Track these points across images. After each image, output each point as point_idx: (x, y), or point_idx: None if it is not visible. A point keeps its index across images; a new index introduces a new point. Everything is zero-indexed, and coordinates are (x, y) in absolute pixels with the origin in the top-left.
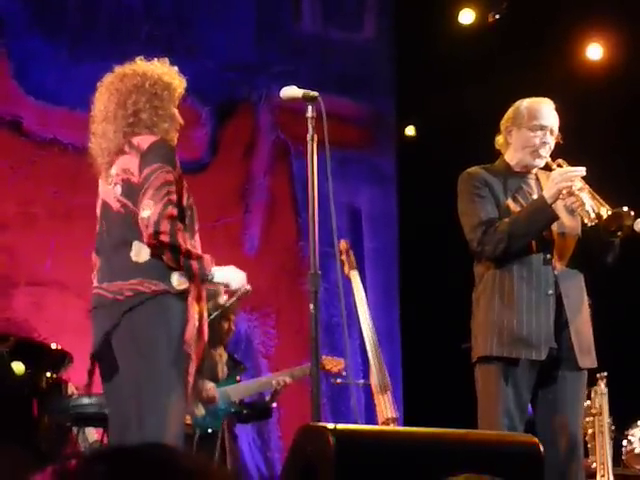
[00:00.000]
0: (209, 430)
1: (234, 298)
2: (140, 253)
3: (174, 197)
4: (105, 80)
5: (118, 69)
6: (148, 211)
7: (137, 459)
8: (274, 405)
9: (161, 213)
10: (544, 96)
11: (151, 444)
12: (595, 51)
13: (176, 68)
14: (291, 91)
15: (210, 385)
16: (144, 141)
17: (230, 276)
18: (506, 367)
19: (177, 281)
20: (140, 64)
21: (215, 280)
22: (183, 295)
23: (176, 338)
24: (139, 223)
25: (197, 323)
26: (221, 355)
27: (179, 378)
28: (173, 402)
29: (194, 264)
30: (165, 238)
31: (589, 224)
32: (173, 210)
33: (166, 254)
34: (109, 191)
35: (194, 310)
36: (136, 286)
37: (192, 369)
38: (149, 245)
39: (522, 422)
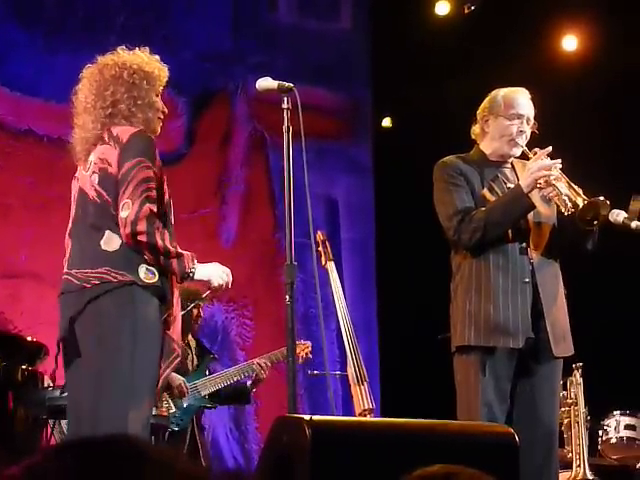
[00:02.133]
0: (177, 428)
1: (208, 292)
2: (110, 242)
3: (153, 193)
4: (86, 71)
5: (100, 59)
6: (127, 211)
7: (104, 451)
8: (254, 390)
9: (138, 212)
10: (520, 86)
11: (119, 435)
12: (570, 42)
13: (157, 57)
14: (266, 83)
15: (180, 380)
16: (124, 133)
17: (211, 273)
18: (485, 357)
19: (144, 274)
20: (121, 54)
21: (196, 277)
22: (151, 288)
23: (140, 329)
24: (118, 220)
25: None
26: (190, 343)
27: (143, 371)
28: (134, 395)
29: (173, 262)
30: (143, 238)
31: (566, 213)
32: (152, 207)
33: (146, 254)
34: (86, 178)
35: (177, 306)
36: (103, 275)
37: (172, 359)
38: (128, 245)
39: (503, 413)
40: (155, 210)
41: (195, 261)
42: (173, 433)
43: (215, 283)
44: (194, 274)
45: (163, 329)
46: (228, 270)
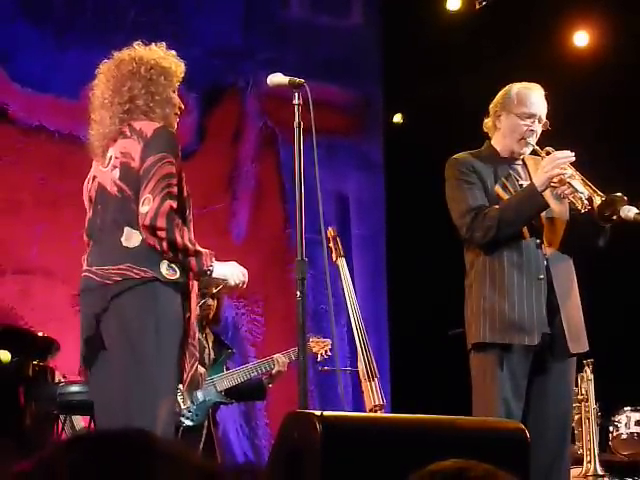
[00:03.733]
0: (191, 423)
1: (221, 286)
2: (131, 238)
3: (174, 189)
4: (103, 67)
5: (116, 55)
6: (147, 207)
7: (114, 445)
8: (270, 386)
9: (158, 209)
10: (531, 82)
11: (129, 429)
12: (581, 38)
13: (173, 52)
14: (277, 78)
15: (202, 370)
16: (147, 127)
17: (228, 272)
18: (501, 354)
19: (166, 270)
20: (137, 49)
21: (214, 276)
22: (173, 285)
23: (164, 327)
24: (138, 216)
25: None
26: (208, 337)
27: (167, 368)
28: (160, 392)
29: (192, 260)
30: (162, 234)
31: (582, 211)
32: (172, 203)
33: (164, 250)
34: (106, 173)
35: (195, 304)
36: (125, 271)
37: (193, 361)
38: (146, 241)
39: (520, 409)
40: (175, 207)
41: (213, 259)
42: (189, 428)
43: (232, 282)
44: (212, 272)
45: (186, 328)
46: (245, 270)
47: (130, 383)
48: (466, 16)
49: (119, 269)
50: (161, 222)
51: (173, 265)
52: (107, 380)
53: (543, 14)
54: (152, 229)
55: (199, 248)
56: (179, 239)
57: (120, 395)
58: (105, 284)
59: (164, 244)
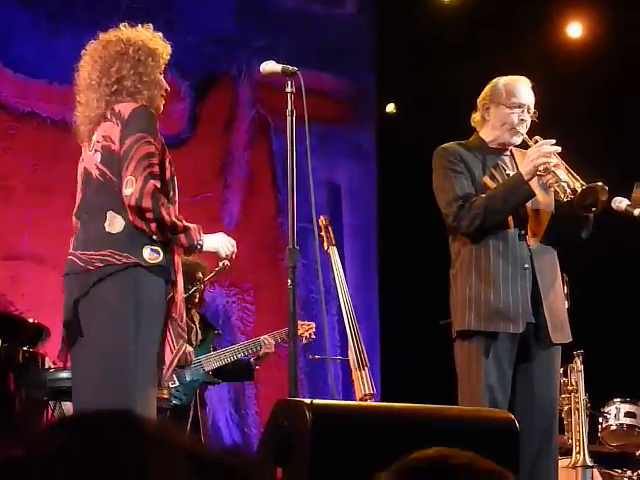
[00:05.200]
0: (179, 402)
1: (212, 274)
2: (114, 223)
3: (156, 169)
4: (89, 47)
5: (102, 35)
6: (130, 188)
7: (101, 425)
8: (257, 367)
9: (142, 189)
10: (524, 74)
11: (116, 410)
12: (575, 29)
13: (160, 34)
14: (270, 66)
15: (189, 349)
16: (126, 108)
17: (218, 244)
18: (487, 342)
19: (148, 255)
20: (124, 30)
21: (204, 249)
22: (155, 269)
23: (143, 313)
24: (121, 199)
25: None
26: (194, 317)
27: (146, 354)
28: (138, 378)
29: (181, 237)
30: (149, 215)
31: (564, 199)
32: (155, 182)
33: (153, 230)
34: (90, 157)
35: (181, 286)
36: (106, 257)
37: (181, 342)
38: (134, 222)
39: (505, 397)
40: (159, 186)
41: (202, 233)
42: (176, 408)
43: (223, 254)
44: (202, 246)
45: (169, 310)
46: (233, 241)
47: (107, 367)
48: (460, 6)
49: (101, 255)
50: (147, 203)
51: (156, 248)
52: (84, 364)
53: (537, 5)
54: (139, 211)
55: (187, 223)
56: (167, 217)
57: (95, 379)
58: (88, 269)
59: (152, 225)
